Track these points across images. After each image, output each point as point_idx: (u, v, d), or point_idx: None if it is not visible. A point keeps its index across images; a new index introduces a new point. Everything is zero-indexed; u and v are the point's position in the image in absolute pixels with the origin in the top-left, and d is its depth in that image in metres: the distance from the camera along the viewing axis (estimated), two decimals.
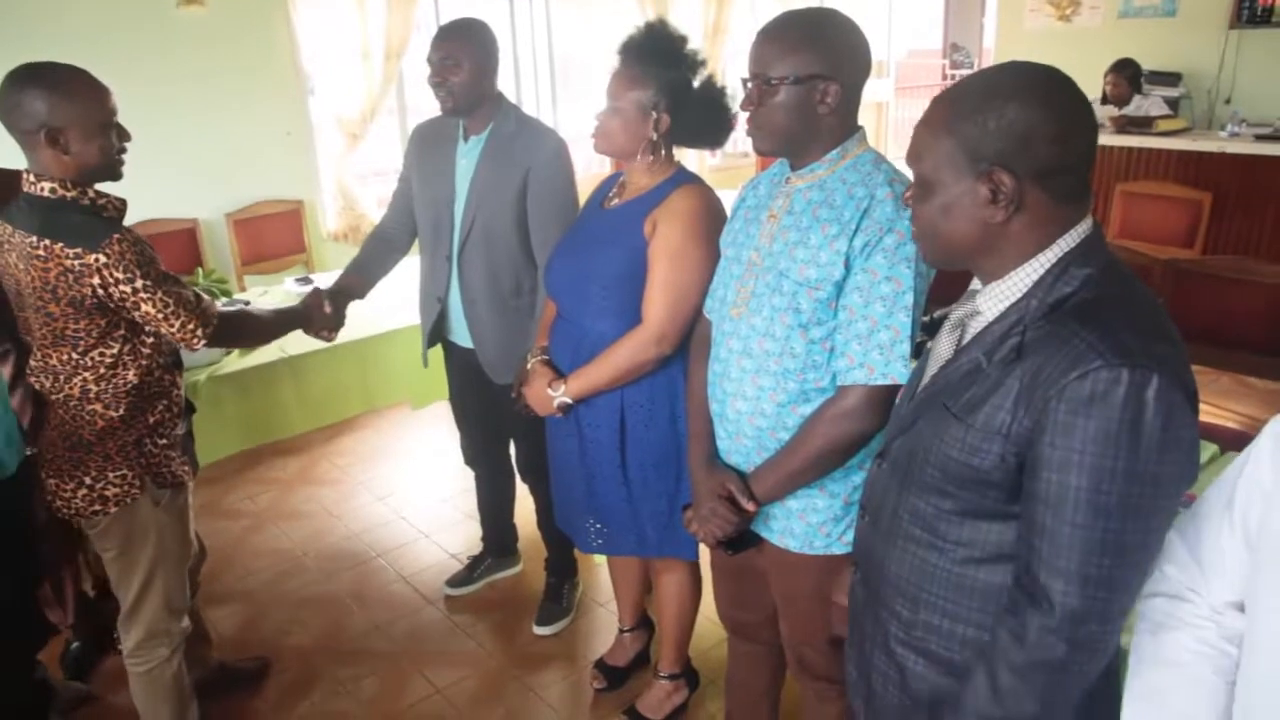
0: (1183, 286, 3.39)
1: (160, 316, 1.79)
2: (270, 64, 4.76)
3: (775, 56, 1.47)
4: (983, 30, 10.83)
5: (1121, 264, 1.10)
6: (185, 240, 4.54)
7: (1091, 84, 5.87)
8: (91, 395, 1.84)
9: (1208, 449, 2.14)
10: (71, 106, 1.71)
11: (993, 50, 7.67)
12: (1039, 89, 1.05)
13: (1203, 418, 2.68)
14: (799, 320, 1.52)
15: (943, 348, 1.20)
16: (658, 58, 1.91)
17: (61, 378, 1.84)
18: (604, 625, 2.80)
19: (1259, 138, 5.07)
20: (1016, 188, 1.04)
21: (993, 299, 1.12)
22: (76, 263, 1.70)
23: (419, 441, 4.10)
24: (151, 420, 1.91)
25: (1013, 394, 1.04)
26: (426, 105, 2.43)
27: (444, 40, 2.35)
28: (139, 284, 1.74)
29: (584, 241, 2.05)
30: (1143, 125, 5.46)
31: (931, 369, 1.21)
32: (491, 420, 2.72)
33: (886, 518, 1.23)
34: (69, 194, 1.75)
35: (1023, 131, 1.03)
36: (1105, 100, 5.84)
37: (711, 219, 1.89)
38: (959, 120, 1.06)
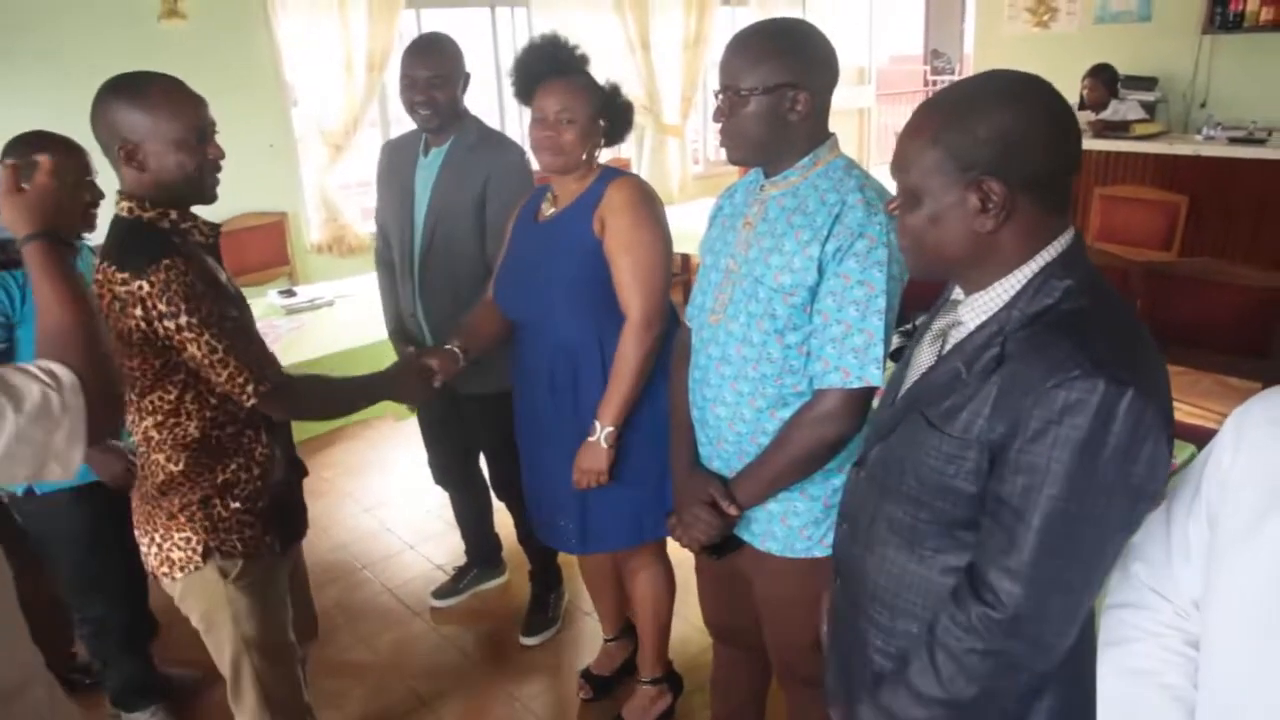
0: (1161, 289, 3.43)
1: (206, 361, 1.56)
2: (252, 76, 4.75)
3: (745, 68, 1.49)
4: (963, 36, 10.92)
5: (1101, 276, 1.10)
6: None
7: (1069, 89, 5.90)
8: (154, 443, 1.65)
9: (1185, 449, 2.17)
10: (147, 119, 1.56)
11: (972, 56, 7.72)
12: (1026, 96, 1.06)
13: (1183, 417, 2.70)
14: (775, 326, 1.54)
15: (924, 357, 1.20)
16: (572, 67, 2.00)
17: (132, 420, 1.66)
18: (590, 635, 2.80)
19: (1233, 140, 5.14)
20: (1007, 196, 1.04)
21: (975, 309, 1.12)
22: (123, 289, 1.53)
23: (405, 453, 4.09)
24: (221, 479, 1.68)
25: (990, 401, 1.05)
26: (409, 116, 2.46)
27: (430, 56, 2.37)
28: (183, 320, 1.53)
29: (532, 255, 2.07)
30: (1120, 129, 5.52)
31: (912, 377, 1.21)
32: (459, 436, 2.73)
33: (865, 526, 1.24)
34: (145, 214, 1.60)
35: (1012, 139, 1.03)
36: (1083, 105, 5.90)
37: (650, 202, 2.00)
38: (946, 129, 1.06)
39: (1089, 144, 5.49)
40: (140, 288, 1.51)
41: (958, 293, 1.18)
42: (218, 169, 1.65)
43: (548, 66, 1.98)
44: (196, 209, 1.67)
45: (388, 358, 2.83)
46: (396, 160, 2.57)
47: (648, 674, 2.42)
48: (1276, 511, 0.91)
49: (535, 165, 2.25)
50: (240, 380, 1.59)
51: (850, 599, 1.29)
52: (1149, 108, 5.91)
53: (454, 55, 2.41)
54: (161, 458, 1.66)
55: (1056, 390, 0.98)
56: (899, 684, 1.16)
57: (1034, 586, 1.02)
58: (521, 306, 2.10)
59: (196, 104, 1.61)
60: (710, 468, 1.71)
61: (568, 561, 2.93)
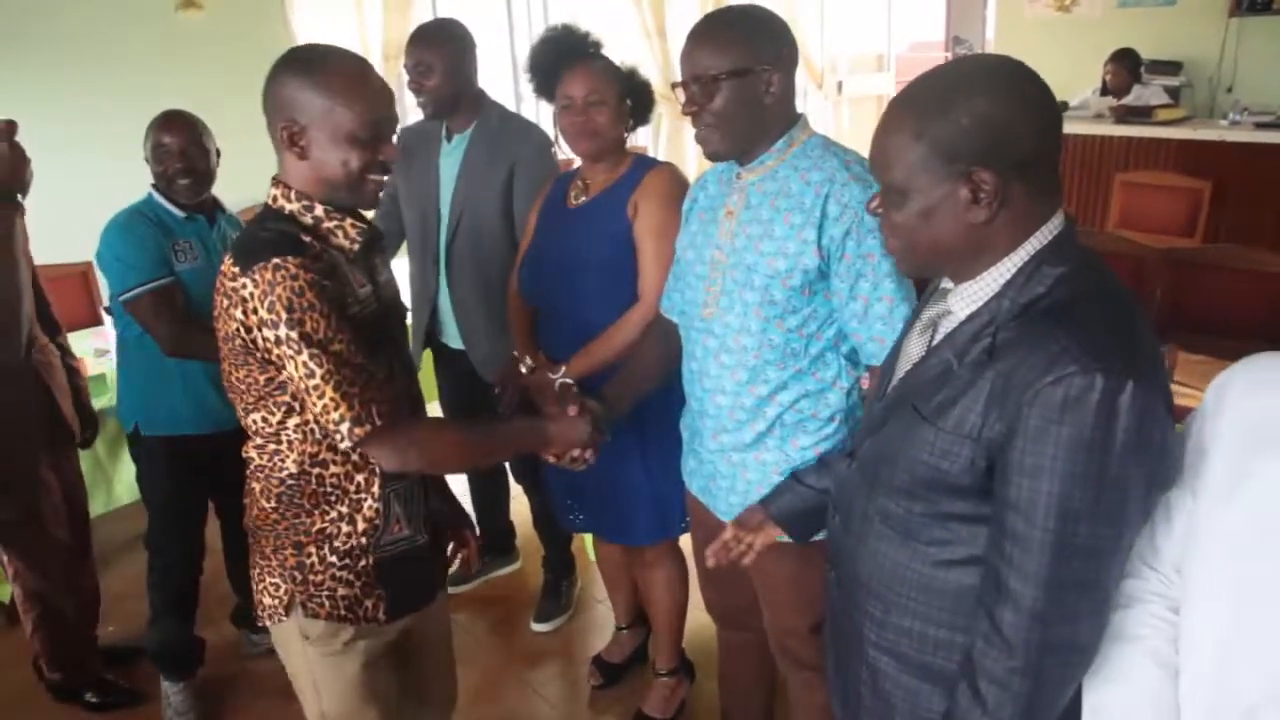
0: (1183, 276, 3.38)
1: (302, 386, 1.30)
2: (269, 67, 4.76)
3: (712, 54, 1.47)
4: (985, 22, 10.77)
5: (1096, 261, 1.08)
6: None
7: (1091, 74, 5.84)
8: (253, 468, 1.45)
9: None
10: (321, 101, 1.32)
11: (993, 42, 7.62)
12: (1004, 80, 1.03)
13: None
14: (775, 312, 1.53)
15: (914, 348, 1.17)
16: (589, 52, 2.00)
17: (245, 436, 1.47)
18: (602, 622, 2.81)
19: (1260, 126, 5.04)
20: (999, 185, 1.01)
21: (965, 299, 1.09)
22: (230, 284, 1.31)
23: None
24: (315, 527, 1.42)
25: (984, 396, 1.02)
26: None
27: (415, 46, 2.36)
28: (282, 332, 1.27)
29: (563, 239, 2.07)
30: (1142, 115, 5.44)
31: (903, 368, 1.18)
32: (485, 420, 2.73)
33: (857, 519, 1.22)
34: (290, 205, 1.37)
35: (997, 125, 1.00)
36: (1105, 90, 5.81)
37: (686, 193, 1.97)
38: (927, 122, 1.02)
39: (1111, 130, 5.42)
40: (243, 285, 1.28)
41: (946, 280, 1.15)
42: (386, 172, 1.41)
43: (565, 55, 1.98)
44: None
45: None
46: (415, 146, 2.56)
47: (664, 666, 2.41)
48: (1254, 455, 0.92)
49: (561, 151, 2.25)
50: (335, 416, 1.31)
51: (845, 592, 1.28)
52: (1173, 93, 5.82)
53: (443, 43, 2.36)
54: (257, 488, 1.45)
55: (1054, 387, 0.95)
56: None
57: (1055, 589, 1.00)
58: (550, 292, 2.10)
59: (381, 95, 1.37)
60: (707, 455, 1.71)
61: (581, 549, 2.94)
